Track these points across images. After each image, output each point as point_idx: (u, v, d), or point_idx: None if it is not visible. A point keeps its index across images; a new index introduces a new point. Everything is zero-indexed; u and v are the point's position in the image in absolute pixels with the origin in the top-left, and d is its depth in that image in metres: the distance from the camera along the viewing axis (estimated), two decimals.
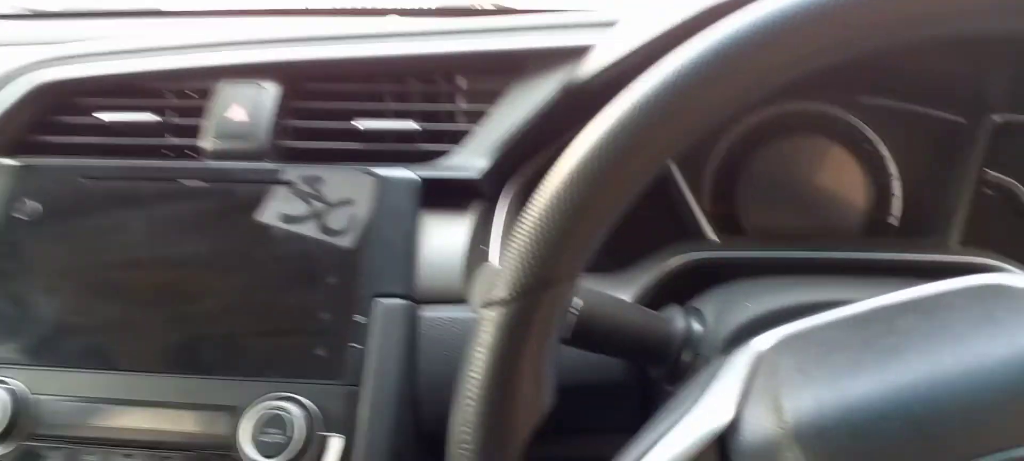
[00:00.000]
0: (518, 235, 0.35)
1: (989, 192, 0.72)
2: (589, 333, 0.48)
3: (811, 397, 0.35)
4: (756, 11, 0.33)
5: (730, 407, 0.37)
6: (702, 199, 0.73)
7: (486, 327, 0.35)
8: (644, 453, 0.37)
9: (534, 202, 0.35)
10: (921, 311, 0.39)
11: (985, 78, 0.66)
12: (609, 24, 0.59)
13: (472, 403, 0.35)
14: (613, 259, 0.65)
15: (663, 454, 0.37)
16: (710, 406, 0.37)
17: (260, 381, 0.54)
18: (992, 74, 0.65)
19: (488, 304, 0.35)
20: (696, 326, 0.51)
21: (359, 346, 0.53)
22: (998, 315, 0.37)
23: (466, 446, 0.35)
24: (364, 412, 0.52)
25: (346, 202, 0.56)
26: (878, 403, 0.33)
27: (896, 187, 0.71)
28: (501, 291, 0.35)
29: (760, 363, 0.38)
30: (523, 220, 0.36)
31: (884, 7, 0.33)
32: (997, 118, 0.66)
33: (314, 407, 0.52)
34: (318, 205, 0.57)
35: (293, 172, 0.58)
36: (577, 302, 0.47)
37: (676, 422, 0.38)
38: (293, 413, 0.51)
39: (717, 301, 0.53)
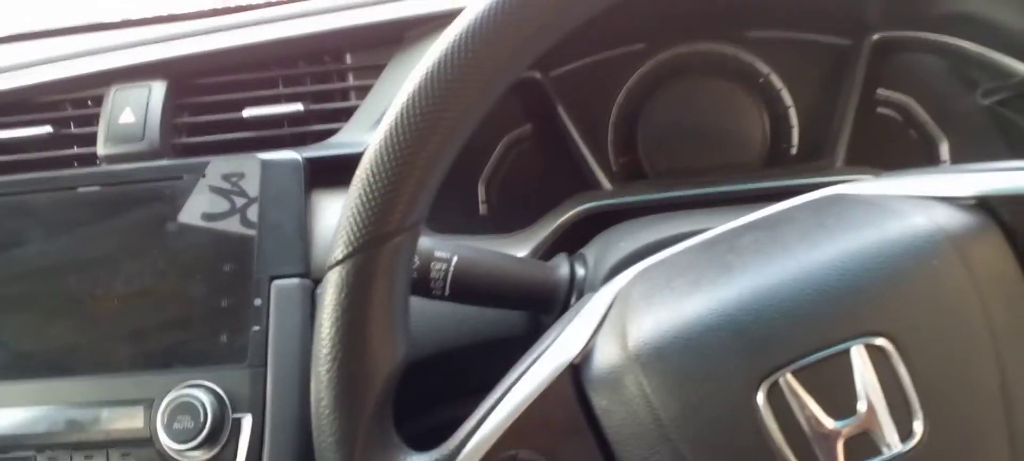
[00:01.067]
0: (350, 194, 0.36)
1: (887, 111, 0.73)
2: (468, 288, 0.49)
3: (651, 321, 0.36)
4: None
5: (583, 339, 0.38)
6: (608, 151, 0.75)
7: (328, 288, 0.36)
8: (507, 390, 0.39)
9: (362, 161, 0.37)
10: (762, 228, 0.40)
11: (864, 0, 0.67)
12: None
13: (324, 362, 0.36)
14: (522, 219, 0.66)
15: (522, 389, 0.38)
16: (566, 340, 0.39)
17: (171, 372, 0.55)
18: None
19: (329, 266, 0.37)
20: (579, 270, 0.53)
21: (259, 328, 0.54)
22: (828, 222, 0.38)
23: (324, 403, 0.37)
24: (271, 391, 0.53)
25: (233, 190, 0.57)
26: (707, 317, 0.35)
27: (793, 117, 0.73)
28: (338, 251, 0.36)
29: (617, 296, 0.40)
30: (354, 180, 0.37)
31: None
32: (876, 36, 0.68)
33: (222, 391, 0.53)
34: (207, 195, 0.57)
35: (182, 167, 0.58)
36: (451, 258, 0.48)
37: (536, 359, 0.39)
38: (202, 399, 0.53)
39: (598, 244, 0.54)
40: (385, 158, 0.35)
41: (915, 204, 0.37)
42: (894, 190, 0.39)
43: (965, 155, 0.70)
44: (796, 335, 0.34)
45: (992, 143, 0.69)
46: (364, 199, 0.36)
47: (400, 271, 0.37)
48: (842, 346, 0.33)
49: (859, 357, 0.33)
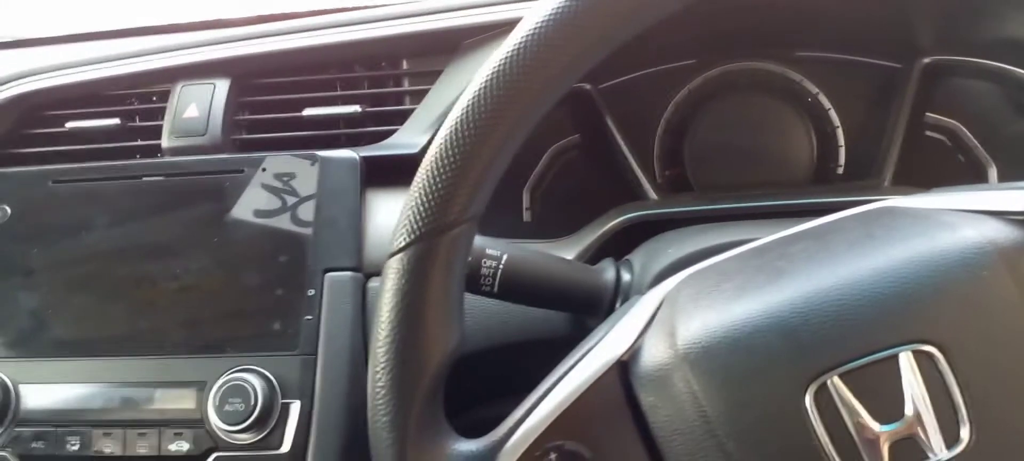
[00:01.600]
0: (413, 186, 0.38)
1: (935, 135, 0.74)
2: (516, 286, 0.50)
3: (700, 321, 0.37)
4: None
5: (631, 337, 0.39)
6: (654, 163, 0.76)
7: (389, 274, 0.38)
8: (555, 383, 0.40)
9: (427, 155, 0.38)
10: (813, 237, 0.41)
11: (913, 22, 0.68)
12: None
13: (382, 344, 0.38)
14: (565, 227, 0.67)
15: (570, 383, 0.39)
16: (615, 337, 0.40)
17: (224, 357, 0.57)
18: (919, 18, 0.67)
19: (391, 253, 0.38)
20: (625, 275, 0.54)
21: (312, 318, 0.56)
22: (876, 233, 0.39)
23: (380, 384, 0.38)
24: (320, 378, 0.55)
25: (285, 189, 0.60)
26: (756, 318, 0.36)
27: (840, 137, 0.73)
28: (400, 239, 0.38)
29: (665, 298, 0.41)
30: (417, 173, 0.38)
31: None
32: (926, 60, 0.68)
33: (273, 377, 0.55)
34: (260, 192, 0.60)
35: (243, 160, 0.61)
36: (502, 256, 0.50)
37: (585, 354, 0.40)
38: (254, 383, 0.54)
39: (645, 251, 0.55)
40: (449, 152, 0.37)
41: (964, 217, 0.38)
42: (943, 204, 0.40)
43: (1014, 180, 0.70)
44: (845, 339, 0.34)
45: None
46: (427, 191, 0.37)
47: (458, 261, 0.38)
48: (890, 351, 0.34)
49: (907, 363, 0.33)
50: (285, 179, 0.59)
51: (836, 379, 0.34)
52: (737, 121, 0.73)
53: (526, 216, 0.77)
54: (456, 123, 0.37)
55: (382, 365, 0.38)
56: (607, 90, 0.74)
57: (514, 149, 0.39)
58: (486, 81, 0.37)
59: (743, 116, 0.73)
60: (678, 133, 0.74)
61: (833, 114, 0.72)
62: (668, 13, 0.37)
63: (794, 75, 0.73)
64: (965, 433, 0.33)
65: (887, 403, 0.33)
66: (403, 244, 0.37)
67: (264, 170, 0.60)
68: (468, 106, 0.37)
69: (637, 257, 0.55)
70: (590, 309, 0.53)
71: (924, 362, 0.33)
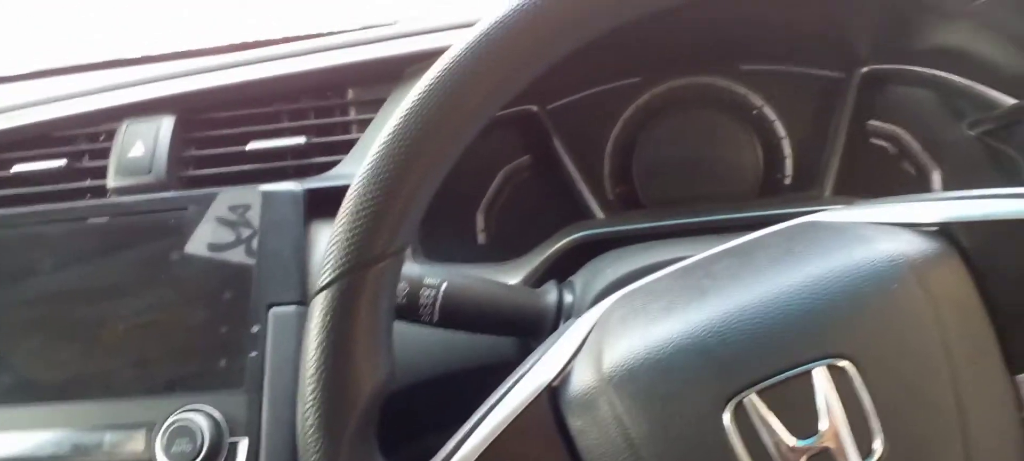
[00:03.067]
0: (336, 221, 0.38)
1: (879, 142, 0.75)
2: (457, 314, 0.50)
3: (626, 343, 0.38)
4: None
5: (561, 362, 0.40)
6: (604, 181, 0.76)
7: (315, 311, 0.38)
8: (486, 412, 0.40)
9: (349, 190, 0.38)
10: (737, 254, 0.42)
11: (851, 33, 0.69)
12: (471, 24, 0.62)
13: (309, 382, 0.38)
14: (520, 248, 0.68)
15: (501, 411, 0.39)
16: (546, 363, 0.40)
17: (172, 397, 0.56)
18: (856, 29, 0.68)
19: (316, 290, 0.38)
20: (567, 296, 0.54)
21: (256, 354, 0.56)
22: (796, 248, 0.39)
23: (309, 423, 0.38)
24: (266, 415, 0.55)
25: (239, 221, 0.60)
26: (677, 339, 0.36)
27: (786, 147, 0.74)
28: (325, 275, 0.38)
29: (597, 321, 0.41)
30: (341, 208, 0.39)
31: None
32: (865, 69, 0.69)
33: (220, 415, 0.55)
34: (213, 226, 0.60)
35: (187, 198, 0.61)
36: (440, 284, 0.50)
37: (516, 382, 0.41)
38: (200, 423, 0.54)
39: (587, 271, 0.55)
40: (372, 187, 0.37)
41: (880, 230, 0.38)
42: (864, 217, 0.41)
43: (957, 184, 0.71)
44: (761, 357, 0.35)
45: (983, 172, 0.70)
46: (350, 226, 0.37)
47: (384, 295, 0.39)
48: (805, 367, 0.34)
49: (821, 378, 0.34)
50: (229, 214, 0.59)
51: (753, 396, 0.34)
52: (684, 136, 0.74)
53: (481, 238, 0.77)
54: (377, 157, 0.37)
55: (310, 404, 0.38)
56: (555, 110, 0.74)
57: (439, 179, 0.39)
58: (405, 114, 0.37)
59: (690, 131, 0.74)
60: (627, 150, 0.75)
61: (778, 125, 0.73)
62: (584, 41, 0.38)
63: (739, 88, 0.73)
64: (878, 445, 0.33)
65: (803, 418, 0.34)
66: (328, 280, 0.38)
67: (208, 206, 0.60)
68: (389, 140, 0.37)
69: (579, 278, 0.56)
70: (534, 332, 0.54)
71: (838, 376, 0.34)
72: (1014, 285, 0.36)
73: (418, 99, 0.37)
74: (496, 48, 0.36)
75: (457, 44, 0.37)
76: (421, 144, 0.37)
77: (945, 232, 0.37)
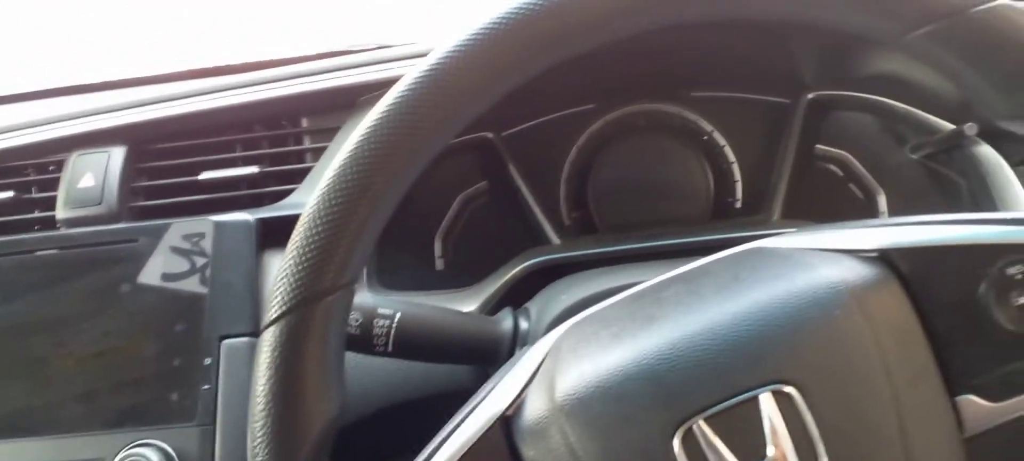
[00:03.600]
0: (285, 255, 0.38)
1: (827, 166, 0.76)
2: (411, 344, 0.50)
3: (577, 372, 0.38)
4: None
5: (515, 391, 0.40)
6: (561, 206, 0.77)
7: (263, 346, 0.38)
8: (441, 443, 0.40)
9: (298, 223, 0.38)
10: (684, 281, 0.42)
11: (797, 60, 0.71)
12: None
13: (258, 419, 0.38)
14: (479, 274, 0.68)
15: (455, 441, 0.39)
16: (500, 392, 0.40)
17: (122, 432, 0.56)
18: (801, 56, 0.70)
19: (264, 325, 0.38)
20: (523, 323, 0.54)
21: (209, 387, 0.55)
22: (742, 275, 0.40)
23: (259, 458, 0.38)
24: (219, 448, 0.54)
25: (194, 250, 0.59)
26: (627, 367, 0.37)
27: (736, 172, 0.75)
28: (273, 310, 0.38)
29: (551, 349, 0.42)
30: (289, 242, 0.38)
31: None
32: (810, 95, 0.71)
33: (172, 449, 0.54)
34: (168, 256, 0.59)
35: (137, 230, 0.60)
36: (395, 315, 0.50)
37: (471, 411, 0.41)
38: (151, 458, 0.54)
39: (541, 298, 0.56)
40: (319, 221, 0.37)
41: (823, 257, 0.39)
42: (807, 244, 0.42)
43: (902, 207, 0.73)
44: (708, 383, 0.35)
45: (928, 195, 0.72)
46: (298, 260, 0.37)
47: (333, 329, 0.38)
48: (751, 393, 0.35)
49: (767, 404, 0.35)
50: (181, 246, 0.59)
51: (702, 423, 0.35)
52: (637, 161, 0.75)
53: (439, 264, 0.78)
54: (326, 188, 0.37)
55: (259, 440, 0.38)
56: (510, 137, 0.75)
57: (388, 212, 0.39)
58: (353, 148, 0.37)
59: (643, 156, 0.75)
60: (582, 176, 0.76)
61: (728, 150, 0.75)
62: (532, 75, 0.39)
63: (690, 115, 0.75)
64: None
65: (751, 444, 0.34)
66: (275, 315, 0.37)
67: (159, 238, 0.59)
68: (337, 174, 0.37)
69: (534, 304, 0.56)
70: (490, 360, 0.54)
71: (783, 402, 0.34)
72: (950, 309, 0.37)
73: (366, 133, 0.37)
74: (445, 81, 0.37)
75: (406, 77, 0.38)
76: (369, 178, 0.37)
77: (885, 258, 0.39)
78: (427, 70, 0.37)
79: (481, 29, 0.37)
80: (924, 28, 0.36)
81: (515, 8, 0.37)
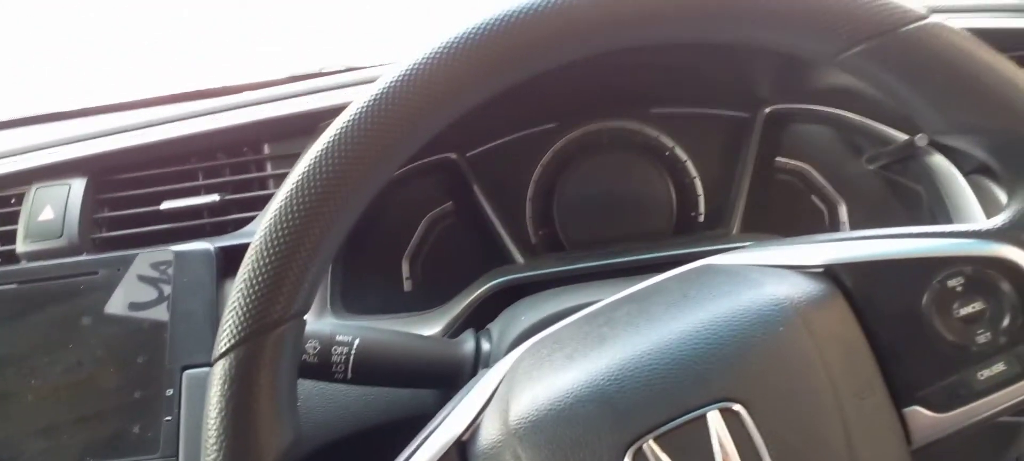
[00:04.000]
0: (234, 287, 0.38)
1: (787, 178, 0.77)
2: (371, 370, 0.50)
3: (529, 395, 0.38)
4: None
5: (471, 415, 0.40)
6: (527, 225, 0.78)
7: (213, 379, 0.38)
8: None
9: (246, 255, 0.38)
10: (635, 300, 0.43)
11: (753, 75, 0.72)
12: None
13: (210, 453, 0.38)
14: (447, 294, 0.68)
15: None
16: (456, 417, 0.41)
17: None
18: (758, 71, 0.71)
19: (214, 357, 0.38)
20: (485, 345, 0.55)
21: (171, 418, 0.55)
22: (691, 293, 0.41)
23: None
24: None
25: (162, 278, 0.59)
26: (577, 389, 0.37)
27: (698, 186, 0.76)
28: (222, 343, 0.38)
29: (507, 372, 0.42)
30: (238, 274, 0.38)
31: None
32: (768, 109, 0.72)
33: None
34: (135, 285, 0.59)
35: (97, 262, 0.60)
36: (353, 341, 0.50)
37: (427, 436, 0.41)
38: None
39: (503, 318, 0.56)
40: (266, 252, 0.37)
41: (770, 274, 0.40)
42: (757, 260, 0.42)
43: (864, 216, 0.74)
44: (656, 403, 0.36)
45: (887, 204, 0.73)
46: (247, 291, 0.37)
47: (284, 360, 0.38)
48: (698, 412, 0.35)
49: (715, 422, 0.35)
50: (141, 277, 0.59)
51: (652, 442, 0.35)
52: (601, 178, 0.75)
53: (407, 285, 0.78)
54: (272, 222, 0.37)
55: None
56: (474, 158, 0.76)
57: (337, 241, 0.39)
58: (300, 178, 0.38)
59: (606, 173, 0.75)
60: (547, 194, 0.77)
61: (690, 165, 0.76)
62: (479, 102, 0.39)
63: (651, 131, 0.76)
64: None
65: None
66: (225, 348, 0.37)
67: (119, 270, 0.59)
68: (283, 205, 0.37)
69: (496, 325, 0.56)
70: (451, 383, 0.54)
71: (731, 419, 0.35)
72: (894, 322, 0.38)
73: (311, 163, 0.38)
74: (390, 107, 0.37)
75: (352, 104, 0.38)
76: (315, 207, 0.37)
77: (830, 273, 0.39)
78: (375, 94, 0.37)
79: (430, 52, 0.37)
80: (857, 48, 0.37)
81: (464, 31, 0.38)
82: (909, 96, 0.38)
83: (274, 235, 0.37)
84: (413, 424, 0.53)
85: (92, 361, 0.57)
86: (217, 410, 0.37)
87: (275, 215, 0.37)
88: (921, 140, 0.62)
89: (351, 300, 0.68)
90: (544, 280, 0.63)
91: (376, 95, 0.37)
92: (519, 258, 0.70)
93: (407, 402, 0.57)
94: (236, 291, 0.38)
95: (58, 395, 0.57)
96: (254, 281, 0.37)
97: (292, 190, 0.37)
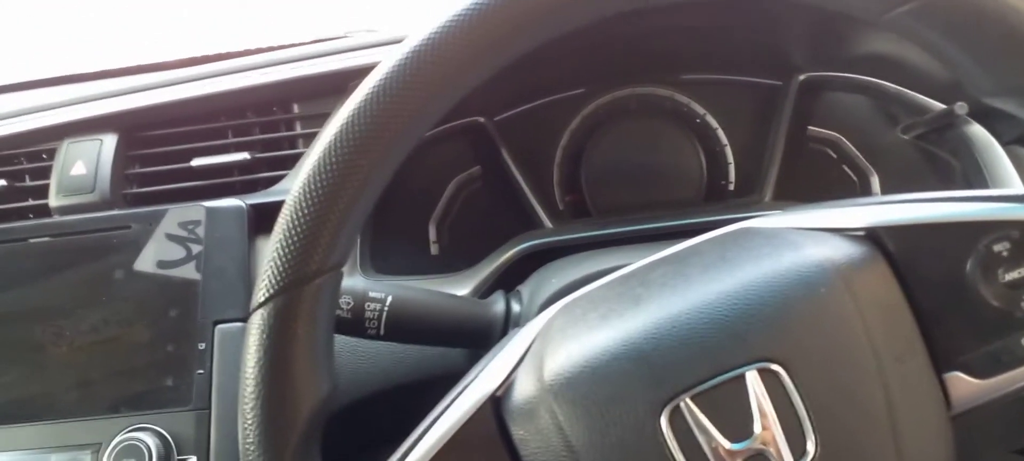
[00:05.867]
0: (272, 239, 0.38)
1: (819, 147, 0.77)
2: (403, 327, 0.51)
3: (565, 352, 0.38)
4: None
5: (505, 372, 0.40)
6: (554, 190, 0.77)
7: (252, 329, 0.38)
8: (431, 423, 0.40)
9: (284, 207, 0.38)
10: (671, 262, 0.42)
11: (787, 42, 0.71)
12: None
13: (248, 401, 0.38)
14: (473, 258, 0.68)
15: (445, 422, 0.40)
16: (490, 373, 0.41)
17: (118, 417, 0.56)
18: (792, 38, 0.70)
19: (252, 308, 0.38)
20: (515, 306, 0.55)
21: (203, 372, 0.55)
22: (729, 255, 0.40)
23: (250, 442, 0.38)
24: (214, 432, 0.54)
25: (190, 237, 0.59)
26: (614, 347, 0.37)
27: (729, 154, 0.76)
28: (260, 293, 0.38)
29: (540, 331, 0.42)
30: (276, 225, 0.38)
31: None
32: (802, 77, 0.71)
33: (168, 434, 0.55)
34: (163, 243, 0.59)
35: (130, 217, 0.60)
36: (386, 298, 0.50)
37: (461, 392, 0.41)
38: (148, 442, 0.54)
39: (533, 280, 0.56)
40: (304, 204, 0.37)
41: (810, 236, 0.40)
42: (795, 223, 0.42)
43: (896, 187, 0.73)
44: (694, 362, 0.35)
45: (920, 175, 0.72)
46: (285, 243, 0.37)
47: (322, 312, 0.39)
48: (737, 372, 0.35)
49: (754, 382, 0.35)
50: (173, 232, 0.59)
51: (688, 401, 0.35)
52: (629, 145, 0.75)
53: (433, 249, 0.78)
54: (312, 172, 0.37)
55: (250, 423, 0.38)
56: (502, 122, 0.75)
57: (375, 194, 0.39)
58: (337, 132, 0.37)
59: (635, 140, 0.75)
60: (575, 159, 0.76)
61: (720, 133, 0.75)
62: (512, 59, 0.39)
63: (681, 98, 0.75)
64: (811, 446, 0.34)
65: (738, 422, 0.34)
66: (264, 298, 0.37)
67: (151, 224, 0.59)
68: (323, 154, 0.37)
69: (526, 287, 0.56)
70: (482, 342, 0.54)
71: (770, 380, 0.35)
72: (937, 287, 0.38)
73: (348, 116, 0.37)
74: (424, 63, 0.37)
75: (386, 60, 0.38)
76: (353, 160, 0.37)
77: (872, 237, 0.39)
78: (410, 51, 0.37)
79: (463, 10, 0.37)
80: (906, 5, 0.36)
81: None
82: (958, 56, 0.38)
83: (312, 187, 0.37)
84: (443, 382, 0.53)
85: (124, 315, 0.58)
86: (255, 360, 0.38)
87: (313, 167, 0.37)
88: (961, 109, 0.61)
89: (379, 261, 0.68)
90: (573, 245, 0.63)
91: (416, 47, 0.37)
92: (547, 223, 0.70)
93: (437, 360, 0.57)
94: (274, 242, 0.38)
95: (91, 348, 0.58)
96: (292, 233, 0.37)
97: (331, 141, 0.37)
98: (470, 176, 0.78)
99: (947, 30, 0.37)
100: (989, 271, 0.37)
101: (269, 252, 0.38)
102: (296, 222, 0.37)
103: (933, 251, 0.38)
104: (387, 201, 0.75)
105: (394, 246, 0.74)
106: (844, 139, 0.75)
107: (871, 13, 0.37)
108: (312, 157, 0.38)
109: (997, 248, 0.37)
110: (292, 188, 0.38)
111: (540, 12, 0.37)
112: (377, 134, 0.37)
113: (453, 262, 0.70)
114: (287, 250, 0.37)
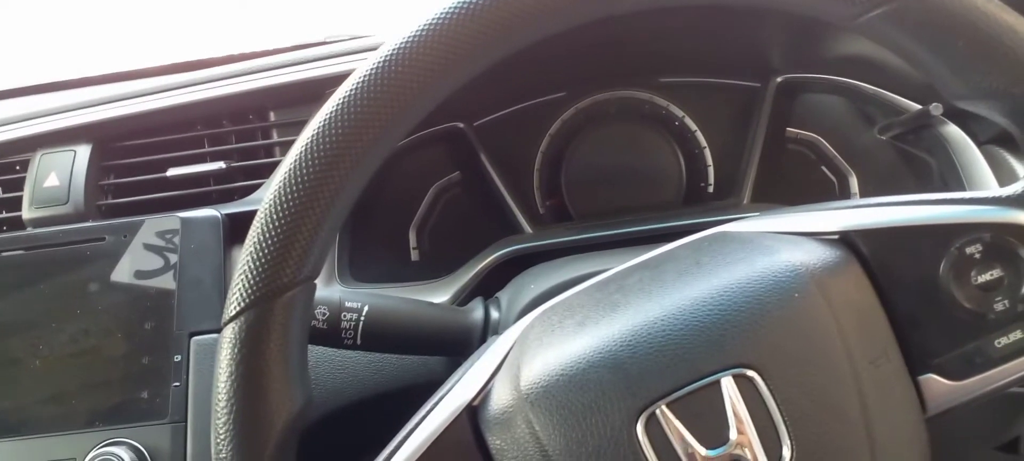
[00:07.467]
0: (243, 251, 0.38)
1: (798, 148, 0.77)
2: (380, 336, 0.50)
3: (541, 361, 0.38)
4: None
5: (482, 381, 0.40)
6: (534, 195, 0.77)
7: (223, 343, 0.37)
8: (409, 433, 0.40)
9: (255, 219, 0.38)
10: (647, 268, 0.42)
11: (765, 44, 0.71)
12: None
13: (221, 416, 0.37)
14: (454, 264, 0.68)
15: (422, 431, 0.39)
16: (467, 382, 0.40)
17: (93, 431, 0.55)
18: (769, 40, 0.70)
19: (224, 321, 0.38)
20: (494, 313, 0.54)
21: (179, 384, 0.55)
22: (704, 260, 0.40)
23: (222, 455, 0.38)
24: (191, 445, 0.54)
25: (168, 247, 0.59)
26: (590, 354, 0.37)
27: (708, 156, 0.76)
28: (232, 306, 0.37)
29: (518, 338, 0.41)
30: (247, 238, 0.38)
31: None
32: (779, 78, 0.71)
33: (144, 448, 0.54)
34: (141, 254, 0.58)
35: (104, 228, 0.59)
36: (362, 308, 0.50)
37: (438, 401, 0.41)
38: (123, 456, 0.53)
39: (512, 287, 0.56)
40: (275, 216, 0.37)
41: (784, 240, 0.39)
42: (771, 227, 0.42)
43: (874, 188, 0.74)
44: (669, 369, 0.35)
45: (899, 175, 0.72)
46: (256, 256, 0.37)
47: (294, 324, 0.38)
48: (712, 377, 0.35)
49: (729, 388, 0.35)
50: (148, 243, 0.58)
51: (664, 408, 0.35)
52: (609, 148, 0.75)
53: (414, 255, 0.77)
54: (281, 187, 0.37)
55: (222, 437, 0.37)
56: (482, 127, 0.75)
57: (347, 206, 0.39)
58: (309, 140, 0.37)
59: (614, 143, 0.75)
60: (555, 164, 0.76)
61: (699, 136, 0.75)
62: (484, 69, 0.38)
63: (660, 101, 0.75)
64: (786, 451, 0.34)
65: (713, 428, 0.34)
66: (235, 311, 0.37)
67: (126, 236, 0.59)
68: (292, 169, 0.37)
69: (505, 293, 0.56)
70: (460, 350, 0.54)
71: (745, 385, 0.35)
72: (911, 289, 0.38)
73: (319, 127, 0.37)
74: (396, 72, 0.37)
75: (358, 69, 0.37)
76: (324, 172, 0.37)
77: (845, 240, 0.39)
78: (380, 60, 0.37)
79: (435, 17, 0.37)
80: (877, 10, 0.36)
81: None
82: (929, 60, 0.38)
83: (284, 198, 0.37)
84: (422, 390, 0.52)
85: (99, 328, 0.57)
86: (227, 374, 0.37)
87: (285, 178, 0.37)
88: (936, 109, 0.61)
89: (358, 269, 0.67)
90: (553, 249, 0.63)
91: (387, 56, 0.37)
92: (527, 228, 0.69)
93: (416, 369, 0.57)
94: (245, 255, 0.37)
95: (66, 362, 0.57)
96: (264, 244, 0.37)
97: (302, 153, 0.37)
98: (450, 182, 0.77)
99: (918, 35, 0.37)
100: (962, 273, 0.37)
101: (240, 265, 0.37)
102: (267, 234, 0.37)
103: (906, 254, 0.38)
104: (367, 208, 0.75)
105: (374, 253, 0.73)
106: (822, 140, 0.75)
107: (843, 18, 0.37)
108: (283, 168, 0.37)
109: (969, 250, 0.37)
110: (264, 198, 0.38)
111: (513, 20, 0.37)
112: (348, 144, 0.37)
113: (434, 268, 0.70)
114: (258, 263, 0.37)
